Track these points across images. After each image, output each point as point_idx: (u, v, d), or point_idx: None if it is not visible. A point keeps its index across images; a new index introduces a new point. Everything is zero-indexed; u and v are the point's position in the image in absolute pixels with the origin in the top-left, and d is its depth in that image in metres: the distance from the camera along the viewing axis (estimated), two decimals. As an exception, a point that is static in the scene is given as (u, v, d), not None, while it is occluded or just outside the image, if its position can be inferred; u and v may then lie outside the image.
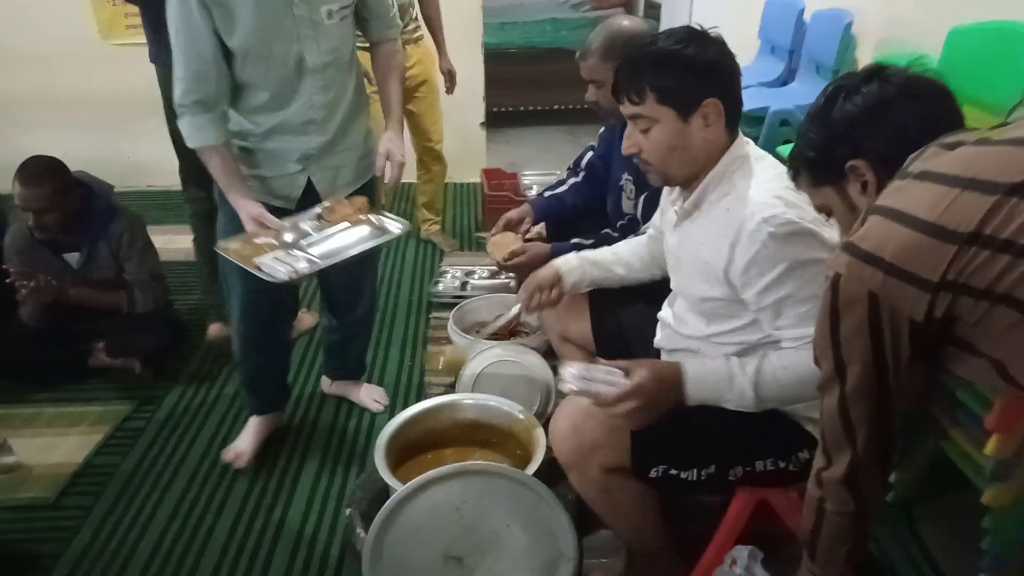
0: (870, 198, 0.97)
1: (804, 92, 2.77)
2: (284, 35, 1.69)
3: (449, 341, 2.42)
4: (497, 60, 4.63)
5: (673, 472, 1.36)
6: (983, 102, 1.78)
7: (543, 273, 1.68)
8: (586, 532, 1.61)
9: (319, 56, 1.74)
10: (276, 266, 1.64)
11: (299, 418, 2.32)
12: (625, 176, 1.96)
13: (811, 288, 1.21)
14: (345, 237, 1.77)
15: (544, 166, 3.98)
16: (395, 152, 1.91)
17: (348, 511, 1.74)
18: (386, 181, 1.91)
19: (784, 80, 3.03)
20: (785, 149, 2.04)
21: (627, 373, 1.26)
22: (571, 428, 1.36)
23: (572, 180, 2.23)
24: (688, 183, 1.37)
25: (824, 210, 1.07)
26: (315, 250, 1.71)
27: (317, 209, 1.83)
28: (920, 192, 0.86)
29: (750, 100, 2.65)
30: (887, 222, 0.87)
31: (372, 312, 2.32)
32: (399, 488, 1.49)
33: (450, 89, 3.28)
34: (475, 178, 3.99)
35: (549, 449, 1.64)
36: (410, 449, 1.79)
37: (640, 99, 1.29)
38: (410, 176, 3.16)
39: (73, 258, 2.49)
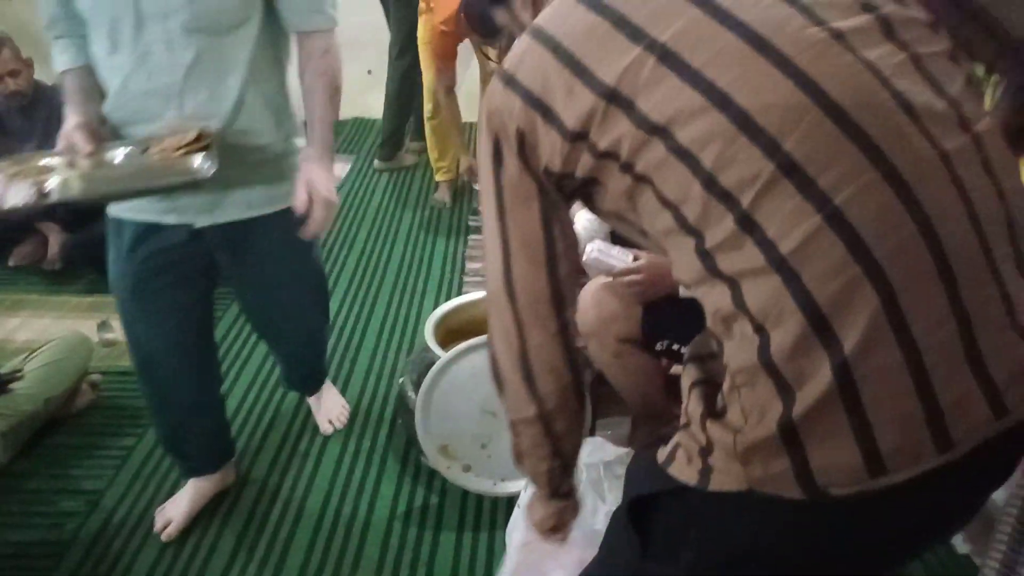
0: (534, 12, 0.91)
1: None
2: None
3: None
4: None
5: (675, 347, 1.65)
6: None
7: None
8: (599, 414, 1.92)
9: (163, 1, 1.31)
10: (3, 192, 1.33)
11: (357, 308, 2.65)
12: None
13: None
14: (132, 173, 1.35)
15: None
16: (318, 184, 1.43)
17: (401, 380, 2.06)
18: (308, 225, 1.45)
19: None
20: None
21: (636, 257, 1.56)
22: (593, 302, 1.65)
23: None
24: None
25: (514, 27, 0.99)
26: (80, 183, 1.34)
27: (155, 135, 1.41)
28: (574, 17, 0.73)
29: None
30: (539, 47, 0.74)
31: (317, 334, 1.95)
32: (444, 355, 1.80)
33: None
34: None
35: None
36: (452, 334, 2.08)
37: None
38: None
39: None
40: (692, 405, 0.77)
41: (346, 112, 4.39)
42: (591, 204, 0.80)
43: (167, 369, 1.63)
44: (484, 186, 0.80)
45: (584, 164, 0.73)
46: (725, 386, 0.71)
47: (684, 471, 0.75)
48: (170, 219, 1.48)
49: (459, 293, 2.74)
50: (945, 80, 0.69)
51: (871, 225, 0.64)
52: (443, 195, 3.49)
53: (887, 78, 0.66)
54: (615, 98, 0.69)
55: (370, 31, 3.57)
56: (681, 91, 0.67)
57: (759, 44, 0.66)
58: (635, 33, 0.69)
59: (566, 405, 0.86)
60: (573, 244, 0.82)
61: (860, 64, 0.66)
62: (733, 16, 0.68)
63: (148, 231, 1.49)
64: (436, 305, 2.46)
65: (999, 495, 1.62)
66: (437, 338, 1.99)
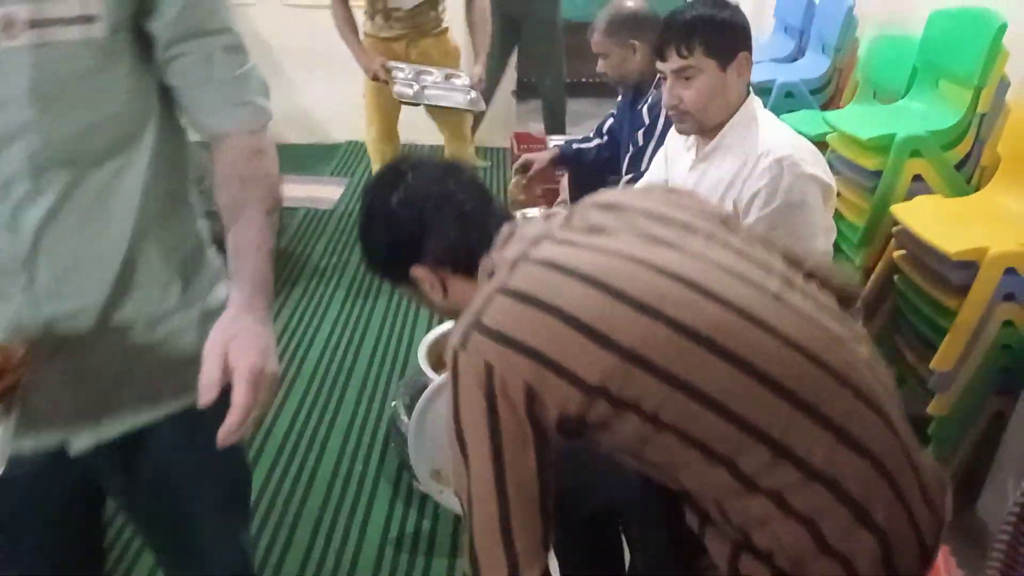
0: (444, 294, 1.02)
1: (809, 67, 3.03)
2: None
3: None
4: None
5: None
6: (954, 75, 2.07)
7: None
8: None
9: None
10: None
11: (350, 331, 2.65)
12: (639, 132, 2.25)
13: (805, 228, 1.49)
14: None
15: (568, 135, 4.24)
16: (245, 352, 0.82)
17: (393, 403, 2.06)
18: (227, 423, 0.79)
19: (794, 56, 3.27)
20: (787, 117, 2.31)
21: None
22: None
23: (597, 141, 2.52)
24: (715, 130, 1.60)
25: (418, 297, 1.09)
26: None
27: None
28: (570, 289, 0.85)
29: (761, 73, 2.91)
30: (537, 312, 0.84)
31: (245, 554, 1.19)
32: (437, 379, 1.80)
33: None
34: (505, 143, 4.25)
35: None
36: (443, 360, 2.09)
37: (689, 52, 1.52)
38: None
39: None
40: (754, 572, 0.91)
41: (341, 135, 4.40)
42: (593, 438, 0.91)
43: None
44: (473, 437, 0.86)
45: (599, 411, 0.85)
46: (788, 565, 0.88)
47: None
48: (25, 446, 0.89)
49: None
50: (833, 308, 0.97)
51: (865, 434, 0.87)
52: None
53: (815, 319, 0.91)
54: (635, 358, 0.83)
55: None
56: (696, 352, 0.83)
57: (744, 314, 0.86)
58: (640, 306, 0.84)
59: None
60: (554, 478, 0.90)
61: (804, 318, 0.90)
62: (716, 293, 0.87)
63: None
64: (429, 328, 2.46)
65: (992, 515, 1.64)
66: (430, 361, 1.99)
